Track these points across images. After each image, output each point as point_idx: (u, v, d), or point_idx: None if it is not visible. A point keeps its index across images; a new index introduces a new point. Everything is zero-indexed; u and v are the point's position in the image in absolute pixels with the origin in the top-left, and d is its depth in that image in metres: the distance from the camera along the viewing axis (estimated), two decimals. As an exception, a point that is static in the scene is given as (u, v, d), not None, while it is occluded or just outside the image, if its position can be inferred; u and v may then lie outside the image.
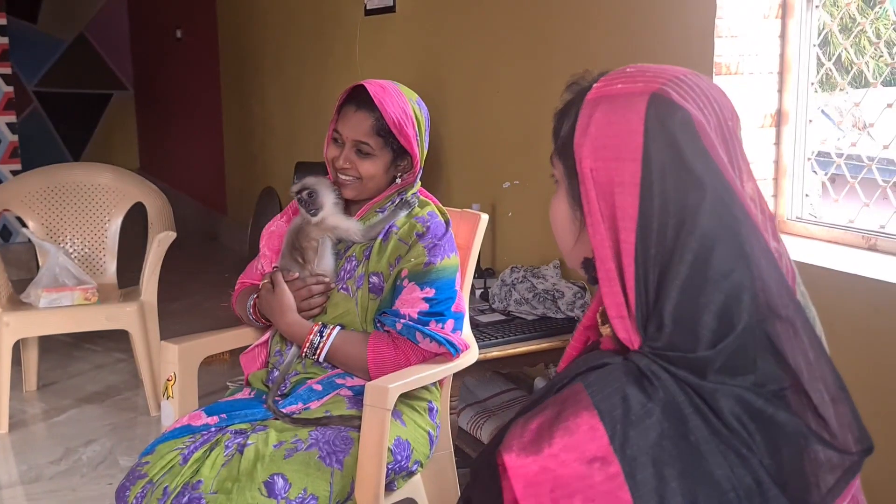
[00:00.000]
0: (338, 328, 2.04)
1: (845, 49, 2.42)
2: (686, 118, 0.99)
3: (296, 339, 2.05)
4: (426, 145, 2.12)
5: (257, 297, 2.14)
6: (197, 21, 6.83)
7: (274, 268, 2.14)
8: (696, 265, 0.96)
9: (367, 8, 4.27)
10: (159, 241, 3.55)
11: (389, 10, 4.10)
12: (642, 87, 1.01)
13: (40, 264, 3.65)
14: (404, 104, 2.05)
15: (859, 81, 2.49)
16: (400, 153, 2.08)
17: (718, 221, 0.97)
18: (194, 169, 7.39)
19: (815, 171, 2.56)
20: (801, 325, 1.02)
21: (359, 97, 2.05)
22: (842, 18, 2.42)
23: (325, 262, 2.08)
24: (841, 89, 2.49)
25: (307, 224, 2.09)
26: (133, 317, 3.49)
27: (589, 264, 1.07)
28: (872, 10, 2.32)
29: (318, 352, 2.03)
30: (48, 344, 4.12)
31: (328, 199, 2.09)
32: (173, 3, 7.32)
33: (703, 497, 0.91)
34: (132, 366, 3.84)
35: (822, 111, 2.59)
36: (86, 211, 3.83)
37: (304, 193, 2.07)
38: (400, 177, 2.11)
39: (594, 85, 1.05)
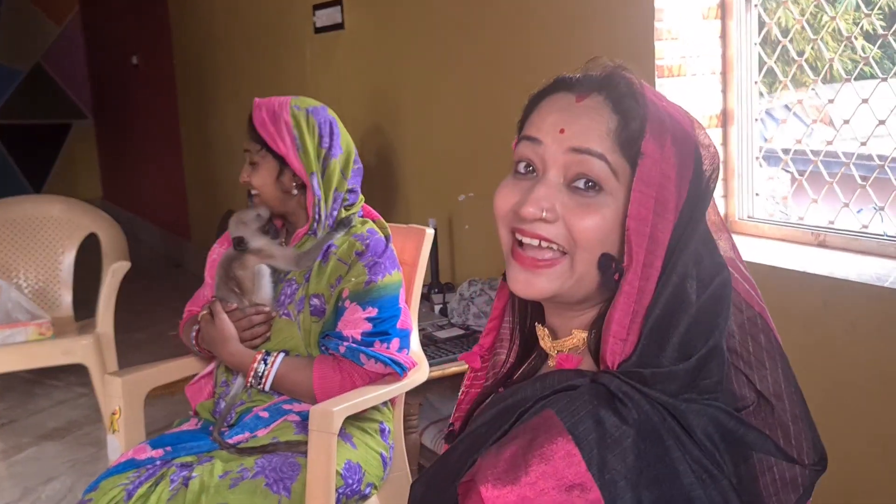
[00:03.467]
0: (282, 355, 2.00)
1: (787, 46, 2.42)
2: (711, 166, 0.98)
3: (240, 369, 2.01)
4: (333, 151, 2.04)
5: (198, 328, 2.10)
6: (152, 47, 6.78)
7: (213, 298, 2.09)
8: (679, 286, 0.94)
9: (317, 26, 4.25)
10: (113, 272, 3.49)
11: (338, 27, 4.07)
12: (684, 121, 0.98)
13: (-8, 300, 3.57)
14: (280, 107, 2.03)
15: (825, 77, 2.48)
16: (286, 160, 2.03)
17: (703, 248, 0.96)
18: (157, 196, 7.32)
19: (787, 170, 2.55)
20: (765, 342, 1.01)
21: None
22: (801, 12, 2.41)
23: (264, 291, 2.04)
24: (806, 84, 2.48)
25: (243, 254, 2.05)
26: (89, 350, 3.42)
27: (610, 261, 0.96)
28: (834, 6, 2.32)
29: (263, 381, 1.99)
30: (8, 382, 4.05)
31: (252, 229, 2.06)
32: (128, 30, 7.27)
33: None
34: (93, 400, 3.76)
35: (767, 112, 2.59)
36: (37, 244, 3.77)
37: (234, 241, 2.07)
38: (296, 185, 2.05)
39: (645, 85, 0.99)
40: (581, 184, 0.95)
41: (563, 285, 0.97)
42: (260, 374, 1.98)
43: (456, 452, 1.02)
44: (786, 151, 2.48)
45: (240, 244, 2.04)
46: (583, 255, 0.96)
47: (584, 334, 1.01)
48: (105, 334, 3.50)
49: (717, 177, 0.99)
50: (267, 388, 1.99)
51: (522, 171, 1.00)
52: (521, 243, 0.98)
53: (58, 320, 3.59)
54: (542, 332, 1.07)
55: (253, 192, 2.07)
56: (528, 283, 0.98)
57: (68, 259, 3.79)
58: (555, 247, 0.96)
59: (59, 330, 3.51)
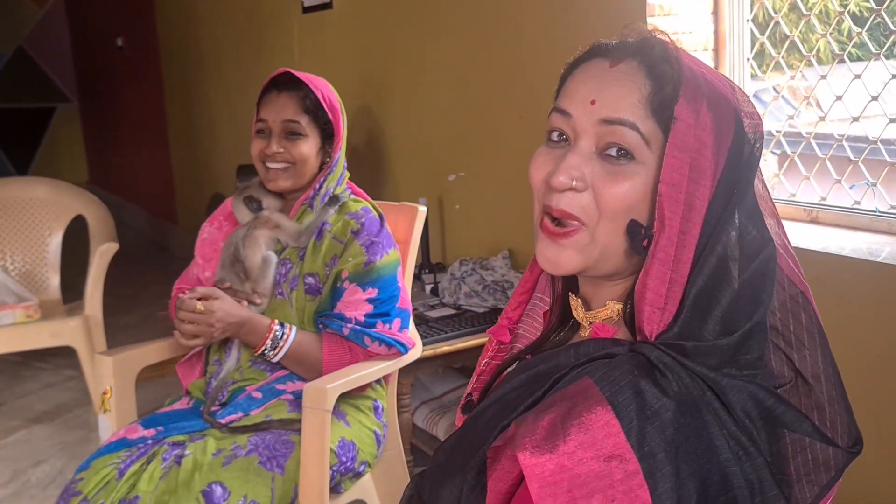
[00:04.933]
0: (295, 327, 1.98)
1: (779, 23, 2.41)
2: (755, 138, 0.96)
3: (250, 338, 1.97)
4: (345, 133, 2.09)
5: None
6: (137, 29, 6.72)
7: (214, 282, 2.07)
8: (722, 261, 0.92)
9: (305, 5, 4.21)
10: (101, 254, 3.46)
11: (327, 6, 4.04)
12: (725, 89, 0.96)
13: (-21, 284, 3.55)
14: (327, 83, 2.05)
15: (811, 61, 2.47)
16: (326, 135, 2.03)
17: (750, 221, 0.94)
18: (143, 179, 7.27)
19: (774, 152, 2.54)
20: (808, 322, 1.01)
21: (280, 83, 2.01)
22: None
23: (268, 280, 2.03)
24: (793, 66, 2.48)
25: (253, 229, 2.03)
26: (77, 332, 3.40)
27: (638, 228, 0.94)
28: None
29: (278, 349, 1.96)
30: (-5, 364, 4.03)
31: (267, 197, 2.06)
32: (112, 12, 7.19)
33: (714, 492, 0.87)
34: (82, 382, 3.74)
35: (755, 95, 2.58)
36: (24, 226, 3.73)
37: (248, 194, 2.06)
38: (326, 163, 2.06)
39: (682, 51, 0.97)
40: (613, 152, 0.94)
41: (587, 258, 0.96)
42: (277, 341, 1.96)
43: (484, 418, 1.00)
44: (776, 132, 2.47)
45: (251, 202, 2.03)
46: (606, 226, 0.94)
47: (619, 305, 1.00)
48: (93, 316, 3.48)
49: (761, 146, 0.97)
50: (279, 357, 1.97)
51: (556, 139, 0.99)
52: (551, 217, 0.97)
53: (45, 303, 3.56)
54: (575, 302, 1.05)
55: (275, 165, 2.02)
56: (555, 261, 0.97)
57: (55, 241, 3.76)
58: (578, 218, 0.95)
59: (47, 312, 3.49)
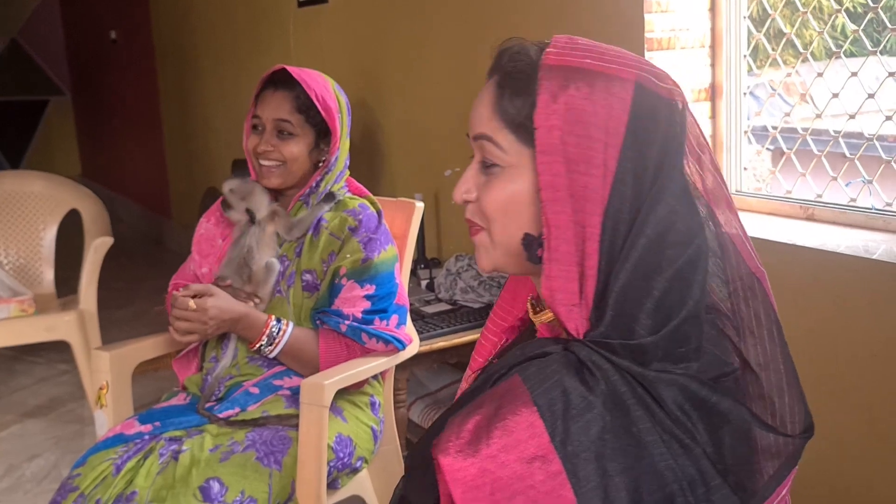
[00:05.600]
0: (292, 323, 1.98)
1: (776, 19, 2.41)
2: (670, 114, 0.96)
3: (248, 334, 1.97)
4: (348, 132, 2.07)
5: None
6: (131, 22, 6.69)
7: (217, 278, 2.06)
8: (647, 251, 0.93)
9: (300, 0, 4.20)
10: (96, 248, 3.45)
11: (322, 0, 4.03)
12: (618, 69, 0.96)
13: (-27, 278, 3.53)
14: (325, 82, 2.03)
15: (806, 58, 2.48)
16: (321, 134, 2.03)
17: (678, 210, 0.94)
18: (137, 173, 7.25)
19: (767, 148, 2.55)
20: (762, 309, 1.01)
21: (277, 80, 2.01)
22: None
23: (269, 286, 2.02)
24: (788, 63, 2.48)
25: (265, 227, 2.02)
26: (72, 326, 3.39)
27: (532, 241, 0.99)
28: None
29: (274, 344, 1.96)
30: (-12, 359, 4.01)
31: (261, 197, 2.05)
32: (106, 5, 7.16)
33: (647, 490, 0.88)
34: (76, 377, 3.73)
35: (750, 92, 2.59)
36: (18, 220, 3.72)
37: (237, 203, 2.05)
38: (322, 161, 2.06)
39: (548, 51, 0.98)
40: (487, 163, 1.01)
41: (494, 259, 1.02)
42: (274, 336, 1.96)
43: (440, 420, 1.02)
44: (773, 129, 2.48)
45: (252, 216, 2.03)
46: (495, 228, 1.00)
47: None
48: (88, 311, 3.47)
49: (677, 126, 0.96)
50: (275, 352, 1.97)
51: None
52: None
53: (40, 297, 3.55)
54: (529, 305, 1.08)
55: (266, 162, 2.02)
56: (476, 259, 1.05)
57: (50, 235, 3.75)
58: (477, 223, 1.03)
59: (42, 307, 3.48)
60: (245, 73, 4.94)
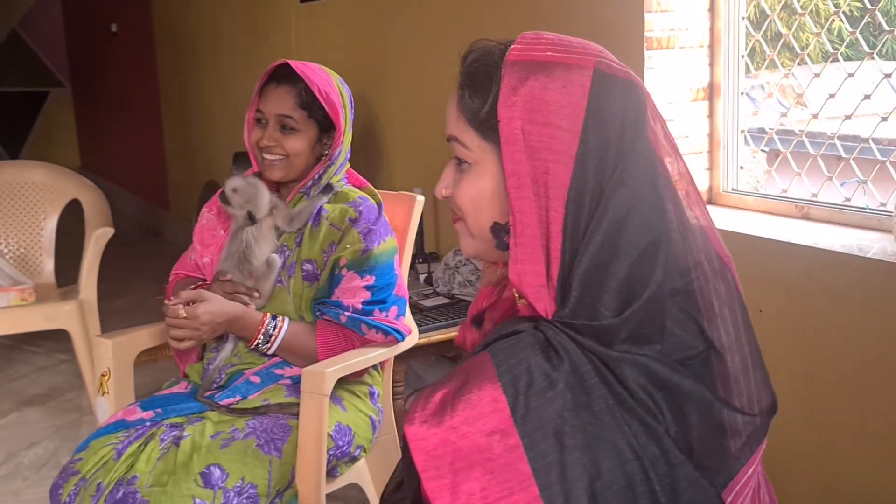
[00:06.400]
0: (287, 319, 2.00)
1: (773, 21, 2.44)
2: (631, 96, 1.00)
3: (244, 332, 1.99)
4: (351, 125, 2.09)
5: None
6: (132, 14, 6.70)
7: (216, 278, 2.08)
8: (610, 234, 0.96)
9: (302, -6, 4.23)
10: (96, 238, 3.47)
11: (324, -4, 4.06)
12: (578, 58, 1.00)
13: (-27, 267, 3.55)
14: (328, 77, 2.05)
15: (802, 61, 2.51)
16: (325, 128, 2.05)
17: (640, 194, 0.98)
18: (136, 165, 7.27)
19: (762, 150, 2.58)
20: (725, 291, 1.03)
21: (280, 75, 2.02)
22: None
23: (270, 283, 2.04)
24: (784, 66, 2.51)
25: (261, 227, 2.04)
26: (72, 315, 3.41)
27: (500, 229, 1.05)
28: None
29: (271, 342, 1.98)
30: (-14, 348, 4.03)
31: (263, 198, 2.06)
32: (107, -3, 7.18)
33: (606, 467, 0.91)
34: (75, 366, 3.75)
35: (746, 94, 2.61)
36: (19, 210, 3.73)
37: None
38: (325, 154, 2.08)
39: (512, 48, 1.03)
40: (458, 161, 1.09)
41: (473, 247, 1.10)
42: (270, 334, 1.97)
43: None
44: (769, 129, 2.50)
45: (252, 218, 2.03)
46: (469, 220, 1.08)
47: None
48: (88, 301, 3.49)
49: (639, 103, 1.00)
50: (273, 350, 1.99)
51: None
52: None
53: (40, 287, 3.56)
54: (514, 291, 1.11)
55: (269, 156, 2.03)
56: (460, 246, 1.13)
57: (50, 225, 3.76)
58: (458, 215, 1.11)
59: (42, 296, 3.49)
60: (246, 67, 4.96)
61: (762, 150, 2.60)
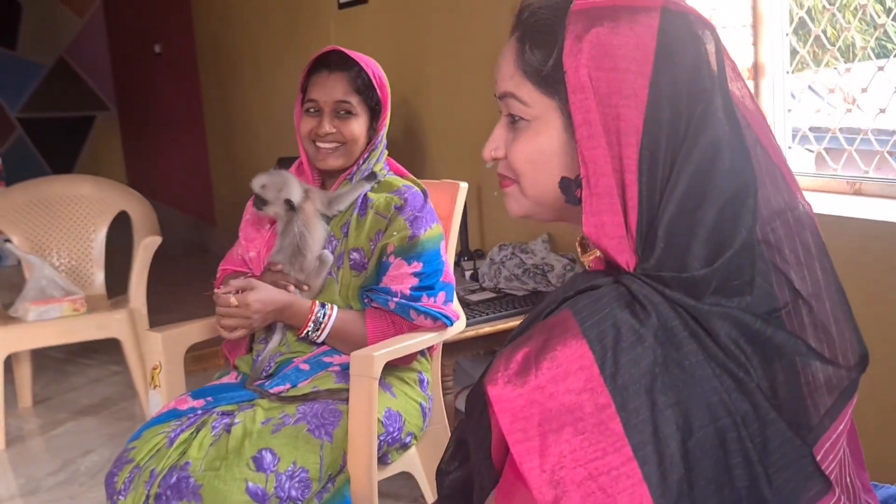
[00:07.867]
0: (336, 307, 2.00)
1: (820, 20, 2.40)
2: (704, 34, 0.95)
3: (298, 317, 1.99)
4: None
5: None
6: (174, 34, 6.81)
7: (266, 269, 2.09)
8: (697, 179, 0.91)
9: (341, 2, 4.26)
10: (145, 247, 3.52)
11: (362, 1, 4.08)
12: (643, 1, 0.95)
13: (27, 278, 3.61)
14: (375, 62, 2.09)
15: (846, 55, 2.46)
16: (374, 113, 2.06)
17: (723, 137, 0.93)
18: (181, 182, 7.36)
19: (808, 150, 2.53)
20: (810, 239, 0.98)
21: (328, 62, 2.03)
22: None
23: (320, 280, 2.05)
24: (827, 64, 2.46)
25: (303, 214, 2.05)
26: (123, 324, 3.46)
27: (569, 183, 0.99)
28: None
29: (321, 330, 1.98)
30: (41, 361, 4.09)
31: (294, 184, 2.06)
32: (150, 19, 7.30)
33: (698, 424, 0.87)
34: (127, 377, 3.79)
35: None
36: (70, 223, 3.80)
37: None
38: (370, 141, 2.09)
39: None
40: (513, 119, 1.03)
41: (525, 207, 1.05)
42: (320, 322, 1.98)
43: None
44: (814, 129, 2.46)
45: (291, 205, 2.04)
46: (526, 180, 1.02)
47: None
48: (137, 310, 3.53)
49: (712, 43, 0.95)
50: (323, 337, 1.99)
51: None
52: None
53: (90, 298, 3.62)
54: (577, 245, 1.08)
55: (325, 145, 2.04)
56: (507, 207, 1.07)
57: (100, 237, 3.82)
58: (508, 177, 1.05)
59: (92, 306, 3.54)
60: (287, 77, 5.00)
61: (808, 150, 2.55)
